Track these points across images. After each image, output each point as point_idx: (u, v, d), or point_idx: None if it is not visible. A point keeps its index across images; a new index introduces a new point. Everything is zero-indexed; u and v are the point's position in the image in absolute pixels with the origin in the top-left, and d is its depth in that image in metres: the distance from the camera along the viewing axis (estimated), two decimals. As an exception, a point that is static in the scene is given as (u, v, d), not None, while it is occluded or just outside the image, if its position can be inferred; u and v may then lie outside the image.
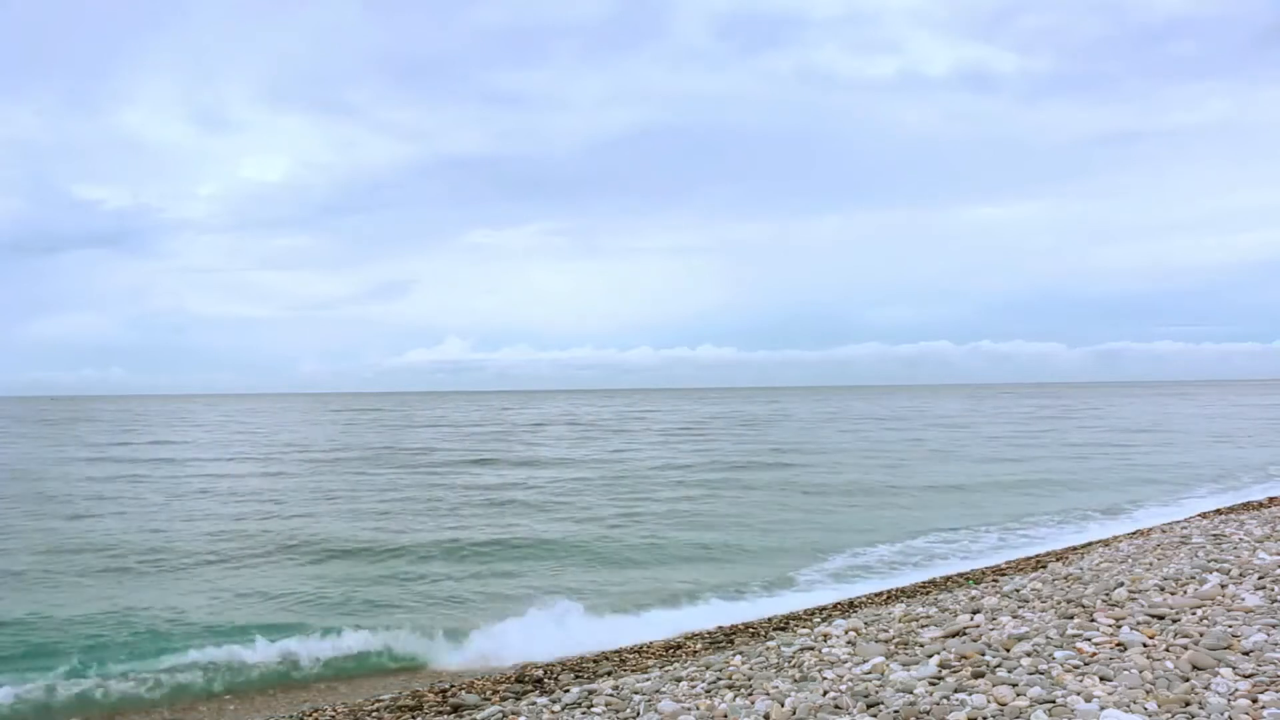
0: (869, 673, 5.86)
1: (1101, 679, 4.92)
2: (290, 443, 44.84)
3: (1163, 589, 7.23)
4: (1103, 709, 4.45)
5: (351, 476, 28.14)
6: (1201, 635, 5.54)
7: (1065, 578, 8.96)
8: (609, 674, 8.26)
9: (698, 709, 5.81)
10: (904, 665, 5.88)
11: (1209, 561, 8.37)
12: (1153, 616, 6.20)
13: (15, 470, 31.16)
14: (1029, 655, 5.58)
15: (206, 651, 9.76)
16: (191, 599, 12.50)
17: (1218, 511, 17.26)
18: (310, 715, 8.00)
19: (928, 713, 4.81)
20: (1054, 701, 4.66)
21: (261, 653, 9.77)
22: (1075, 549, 13.93)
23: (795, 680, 6.13)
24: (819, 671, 6.24)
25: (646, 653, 9.29)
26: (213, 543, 16.68)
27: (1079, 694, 4.72)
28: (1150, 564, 9.01)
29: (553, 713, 6.58)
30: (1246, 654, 5.15)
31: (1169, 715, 4.37)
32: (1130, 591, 7.23)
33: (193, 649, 9.84)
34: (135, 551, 15.73)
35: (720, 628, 10.41)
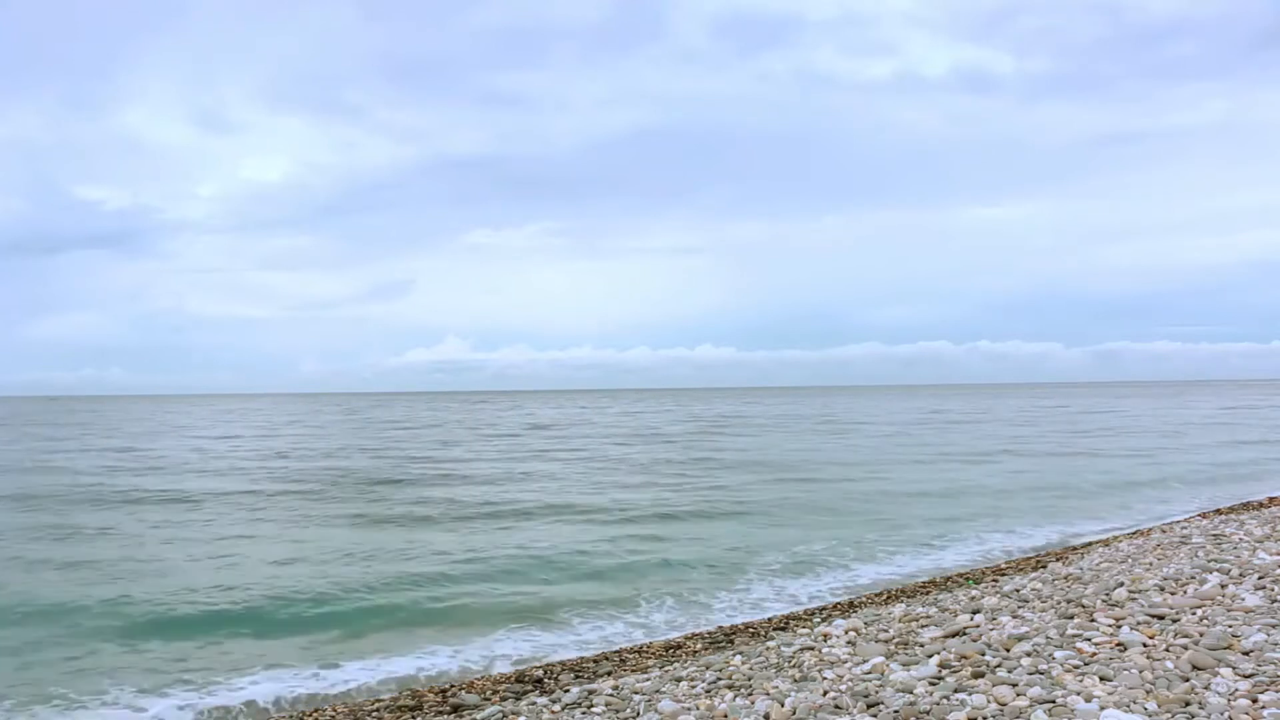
0: (869, 673, 5.86)
1: (1101, 679, 4.93)
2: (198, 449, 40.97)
3: (1163, 589, 7.24)
4: (1103, 709, 4.45)
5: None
6: (1201, 635, 5.54)
7: (1065, 578, 8.97)
8: (609, 674, 8.26)
9: (698, 709, 5.81)
10: (904, 665, 5.88)
11: (1209, 561, 8.38)
12: (1153, 616, 6.21)
13: None
14: (1029, 655, 5.58)
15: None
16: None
17: (1218, 511, 17.26)
18: (310, 715, 7.99)
19: (928, 713, 4.81)
20: (1054, 701, 4.66)
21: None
22: (1075, 549, 13.93)
23: (795, 680, 6.13)
24: (819, 671, 6.24)
25: (646, 653, 9.29)
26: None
27: (1079, 694, 4.72)
28: (1150, 564, 9.02)
29: (553, 713, 6.58)
30: (1246, 654, 5.15)
31: (1169, 715, 4.37)
32: (1130, 591, 7.24)
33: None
34: None
35: (720, 628, 10.40)
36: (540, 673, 8.63)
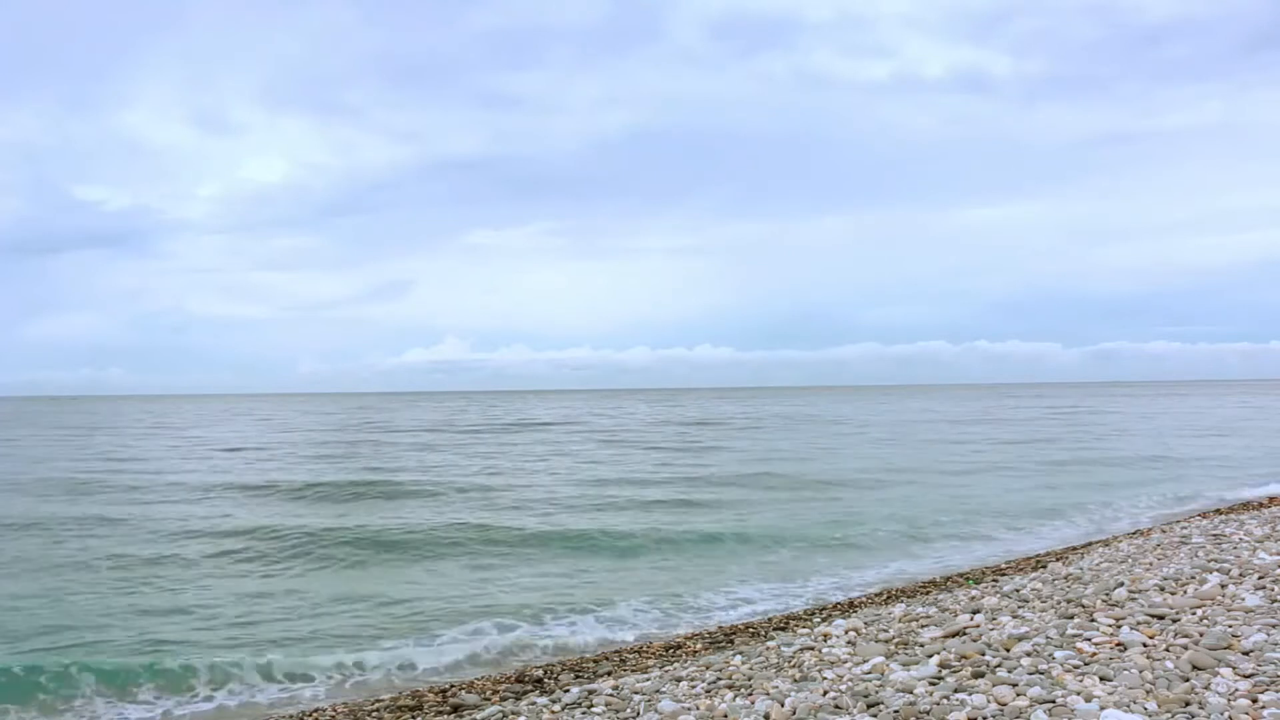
0: (869, 673, 5.86)
1: (1101, 679, 4.93)
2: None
3: (1163, 589, 7.24)
4: (1103, 709, 4.46)
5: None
6: (1201, 635, 5.54)
7: (1065, 578, 8.97)
8: (609, 674, 8.26)
9: (698, 709, 5.81)
10: (904, 665, 5.89)
11: (1209, 561, 8.38)
12: (1153, 616, 6.21)
13: None
14: (1029, 655, 5.58)
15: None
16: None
17: (1218, 511, 17.27)
18: (310, 715, 7.99)
19: (928, 713, 4.81)
20: (1054, 701, 4.67)
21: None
22: (1075, 549, 13.94)
23: (795, 680, 6.13)
24: (819, 671, 6.25)
25: (646, 652, 9.29)
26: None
27: (1079, 694, 4.72)
28: (1150, 564, 9.02)
29: (553, 713, 6.59)
30: (1246, 654, 5.15)
31: (1169, 715, 4.37)
32: (1130, 591, 7.24)
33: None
34: None
35: (720, 627, 10.40)
36: (540, 673, 8.64)
